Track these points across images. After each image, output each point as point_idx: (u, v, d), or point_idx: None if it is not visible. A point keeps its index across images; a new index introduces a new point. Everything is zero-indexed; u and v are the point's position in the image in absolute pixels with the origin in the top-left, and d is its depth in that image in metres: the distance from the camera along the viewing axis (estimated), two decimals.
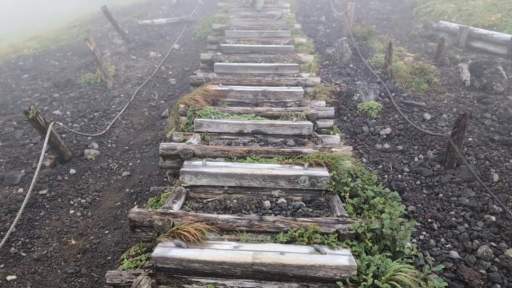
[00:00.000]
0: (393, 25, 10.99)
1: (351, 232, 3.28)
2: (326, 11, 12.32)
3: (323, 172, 4.20)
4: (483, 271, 3.57)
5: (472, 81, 7.32)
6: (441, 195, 4.63)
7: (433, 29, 10.18)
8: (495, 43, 8.65)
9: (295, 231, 3.33)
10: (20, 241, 4.25)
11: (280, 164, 4.43)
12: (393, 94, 7.03)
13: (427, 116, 6.37)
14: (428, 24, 10.42)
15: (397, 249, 3.19)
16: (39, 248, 4.19)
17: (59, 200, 4.93)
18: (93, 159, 5.81)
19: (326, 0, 12.72)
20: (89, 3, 18.69)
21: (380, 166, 5.29)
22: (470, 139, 5.58)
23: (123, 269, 3.27)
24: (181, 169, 4.26)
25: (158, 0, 14.69)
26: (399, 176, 5.06)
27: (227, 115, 5.72)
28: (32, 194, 4.85)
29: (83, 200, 4.97)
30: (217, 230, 3.42)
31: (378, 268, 2.94)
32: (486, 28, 9.23)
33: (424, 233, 4.08)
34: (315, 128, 5.66)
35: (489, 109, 6.42)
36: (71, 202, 4.92)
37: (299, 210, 3.86)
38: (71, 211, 4.77)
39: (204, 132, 5.33)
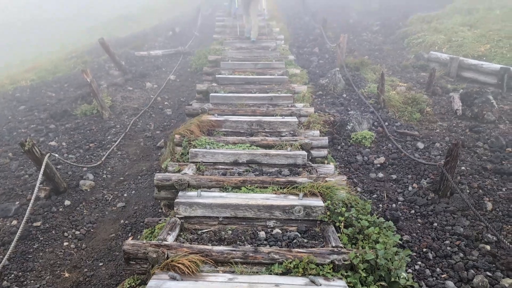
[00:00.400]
0: (385, 56, 11.23)
1: (346, 263, 3.28)
2: (319, 42, 12.59)
3: (317, 202, 4.22)
4: None
5: (463, 110, 7.45)
6: (435, 224, 4.64)
7: (424, 60, 10.40)
8: (485, 73, 8.84)
9: (290, 262, 3.32)
10: (12, 275, 4.20)
11: (275, 194, 4.45)
12: (386, 123, 7.12)
13: (420, 145, 6.44)
14: (419, 54, 10.66)
15: (393, 279, 3.18)
16: (32, 281, 4.14)
17: (53, 232, 4.90)
18: (88, 190, 5.80)
19: (319, 32, 13.00)
20: (87, 34, 19.03)
21: (375, 195, 5.32)
22: (463, 168, 5.64)
23: None
24: (176, 200, 4.26)
25: (154, 32, 14.97)
26: (394, 205, 5.08)
27: (222, 145, 5.77)
28: (26, 226, 4.82)
29: (77, 232, 4.93)
30: (211, 262, 3.40)
31: None
32: (476, 59, 9.45)
33: (419, 263, 4.07)
34: (310, 158, 5.71)
35: (481, 138, 6.51)
36: (65, 234, 4.88)
37: (294, 241, 3.86)
38: (65, 243, 4.73)
39: (199, 162, 5.36)
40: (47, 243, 4.72)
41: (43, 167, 4.93)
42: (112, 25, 18.73)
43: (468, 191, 5.15)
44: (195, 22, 15.00)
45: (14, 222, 5.04)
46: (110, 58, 10.38)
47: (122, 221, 5.18)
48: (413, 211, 4.94)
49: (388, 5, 15.66)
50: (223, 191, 4.56)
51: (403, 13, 14.25)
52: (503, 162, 5.78)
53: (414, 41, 11.63)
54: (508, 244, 3.89)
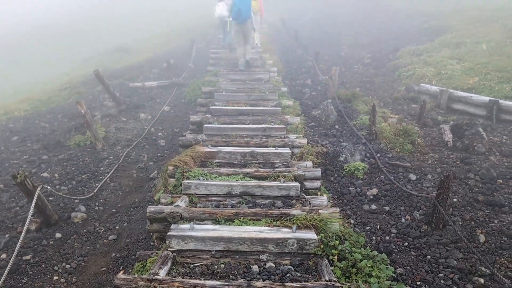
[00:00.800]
0: (377, 88, 11.42)
1: None
2: (312, 74, 12.80)
3: (311, 235, 4.21)
4: None
5: (454, 142, 7.55)
6: (429, 256, 4.63)
7: (415, 92, 10.59)
8: (475, 105, 9.00)
9: None
10: None
11: (268, 226, 4.44)
12: (379, 155, 7.19)
13: (412, 176, 6.49)
14: (410, 86, 10.86)
15: None
16: None
17: (43, 265, 4.82)
18: (80, 222, 5.75)
19: (311, 64, 13.24)
20: (82, 65, 19.22)
21: (368, 227, 5.31)
22: (455, 199, 5.67)
23: None
24: (168, 233, 4.24)
25: (149, 63, 15.16)
26: (387, 237, 5.07)
27: (216, 177, 5.78)
28: (16, 260, 4.74)
29: (67, 266, 4.85)
30: None
31: None
32: (465, 91, 9.64)
33: None
34: (303, 189, 5.72)
35: (472, 169, 6.57)
36: (55, 267, 4.80)
37: (288, 275, 3.83)
38: (55, 277, 4.64)
39: (192, 194, 5.35)
40: (36, 277, 4.63)
41: (34, 199, 4.89)
42: (107, 56, 18.92)
43: (460, 223, 5.17)
44: (189, 54, 15.22)
45: (3, 255, 4.96)
46: (104, 89, 10.46)
47: (113, 254, 5.12)
48: (406, 244, 4.93)
49: (379, 38, 16.03)
50: (216, 224, 4.54)
51: (393, 46, 14.58)
52: (495, 194, 5.83)
53: (404, 73, 11.87)
54: (501, 277, 3.88)
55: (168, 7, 29.37)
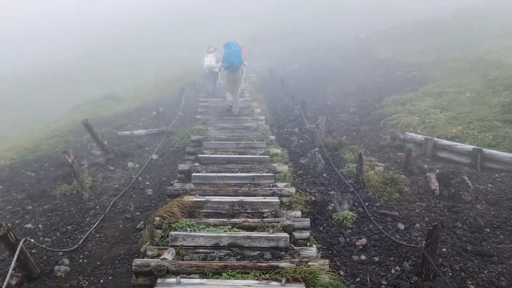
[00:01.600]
0: (363, 136, 11.61)
1: None
2: (299, 122, 13.00)
3: None
4: None
5: (441, 190, 7.62)
6: None
7: (400, 140, 10.78)
8: (459, 153, 9.17)
9: None
10: None
11: (257, 280, 4.36)
12: (367, 203, 7.20)
13: (401, 226, 6.49)
14: (395, 135, 11.06)
15: None
16: None
17: None
18: (63, 276, 5.57)
19: (298, 113, 13.47)
20: (71, 112, 19.30)
21: (358, 279, 5.23)
22: (444, 249, 5.66)
23: None
24: None
25: (138, 111, 15.28)
26: None
27: (203, 227, 5.71)
28: None
29: None
30: None
31: None
32: (449, 139, 9.85)
33: None
34: (292, 240, 5.67)
35: (459, 218, 6.61)
36: None
37: None
38: None
39: (179, 246, 5.26)
40: None
41: (17, 253, 4.76)
42: (97, 104, 19.07)
43: (450, 274, 5.13)
44: (178, 102, 15.41)
45: None
46: (93, 138, 10.46)
47: None
48: None
49: (364, 88, 16.46)
50: (203, 278, 4.45)
51: (378, 95, 14.96)
52: (483, 243, 5.84)
53: (389, 122, 12.12)
54: None
55: (159, 58, 30.04)
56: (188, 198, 6.59)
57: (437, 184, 7.78)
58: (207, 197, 6.71)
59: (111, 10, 51.61)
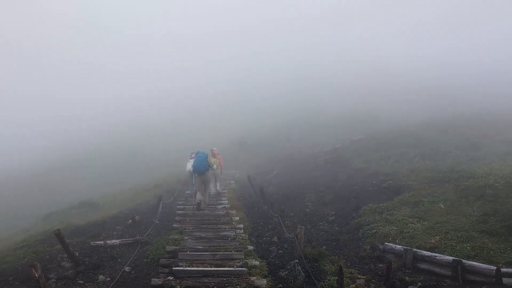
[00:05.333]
0: (342, 246, 11.46)
1: None
2: (278, 231, 12.83)
3: None
4: None
5: None
6: None
7: (380, 251, 10.66)
8: (440, 265, 9.06)
9: None
10: None
11: None
12: None
13: None
14: (374, 245, 10.96)
15: None
16: None
17: None
18: None
19: (277, 221, 13.36)
20: (44, 220, 18.76)
21: None
22: None
23: None
24: None
25: (114, 220, 14.92)
26: None
27: None
28: None
29: None
30: None
31: None
32: (428, 250, 9.78)
33: None
34: None
35: None
36: None
37: None
38: None
39: None
40: None
41: None
42: (72, 211, 18.66)
43: None
44: (155, 210, 15.21)
45: None
46: (64, 249, 10.03)
47: None
48: None
49: (341, 196, 16.63)
50: None
51: (355, 204, 15.07)
52: None
53: (368, 231, 12.07)
54: None
55: (140, 167, 30.50)
56: None
57: None
58: None
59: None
